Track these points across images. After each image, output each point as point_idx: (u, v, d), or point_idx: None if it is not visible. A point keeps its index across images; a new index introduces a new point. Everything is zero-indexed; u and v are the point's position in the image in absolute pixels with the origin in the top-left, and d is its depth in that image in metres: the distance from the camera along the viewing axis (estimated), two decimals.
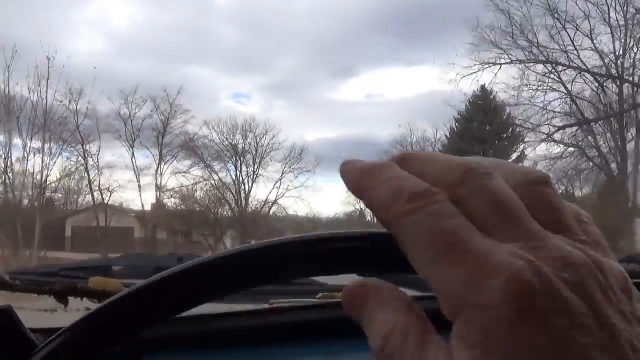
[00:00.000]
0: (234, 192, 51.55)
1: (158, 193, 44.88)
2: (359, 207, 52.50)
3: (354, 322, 0.85)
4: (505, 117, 52.62)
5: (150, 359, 0.99)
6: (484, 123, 52.15)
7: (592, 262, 0.33)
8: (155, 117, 38.22)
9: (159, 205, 45.42)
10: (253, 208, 52.24)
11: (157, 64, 48.28)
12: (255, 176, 52.71)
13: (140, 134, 38.38)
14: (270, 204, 52.74)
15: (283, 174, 51.79)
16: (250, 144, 51.81)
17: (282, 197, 51.85)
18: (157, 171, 42.29)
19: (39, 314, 1.20)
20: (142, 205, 44.27)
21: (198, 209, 46.79)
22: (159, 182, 44.50)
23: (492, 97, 53.35)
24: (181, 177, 44.12)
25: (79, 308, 1.18)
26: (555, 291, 0.30)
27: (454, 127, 53.49)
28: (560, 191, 41.24)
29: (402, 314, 0.36)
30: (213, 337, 1.07)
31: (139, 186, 41.98)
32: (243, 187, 52.98)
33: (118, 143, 37.50)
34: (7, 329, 0.71)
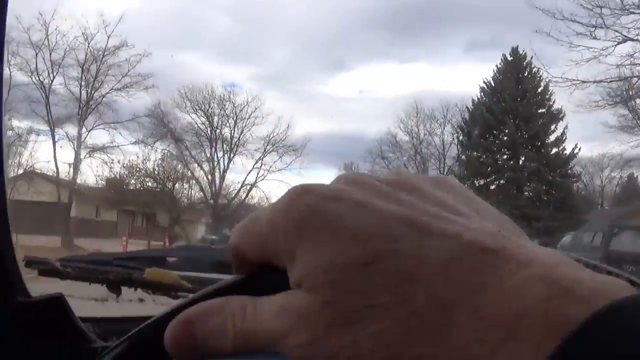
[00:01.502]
0: (206, 171, 44.36)
1: (108, 167, 36.60)
2: None
3: None
4: (542, 89, 42.80)
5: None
6: (516, 95, 42.48)
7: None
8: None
9: (111, 182, 37.12)
10: (229, 190, 45.52)
11: (149, 48, 46.13)
12: (232, 153, 45.73)
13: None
14: (249, 186, 45.91)
15: (265, 152, 46.08)
16: (228, 115, 45.95)
17: (263, 179, 45.98)
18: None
19: (89, 302, 1.20)
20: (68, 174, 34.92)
21: (152, 186, 38.99)
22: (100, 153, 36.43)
23: (525, 63, 43.43)
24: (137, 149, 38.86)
25: (131, 298, 1.17)
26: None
27: (479, 97, 44.26)
28: None
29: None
30: None
31: (76, 155, 34.03)
32: (218, 165, 45.26)
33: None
34: (58, 317, 0.72)
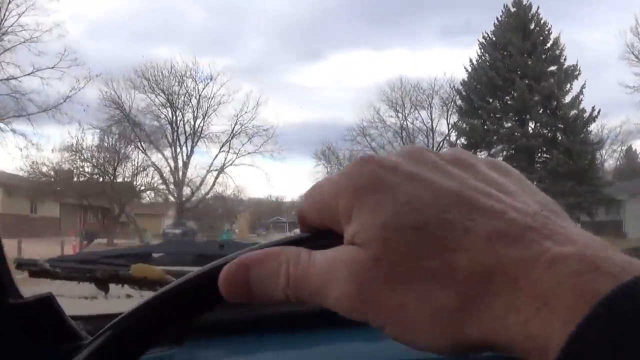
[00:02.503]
0: (167, 158, 39.77)
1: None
2: None
3: None
4: (551, 44, 36.13)
5: (191, 343, 1.05)
6: (523, 50, 35.12)
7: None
8: None
9: (56, 172, 31.65)
10: (192, 178, 41.22)
11: (124, 42, 44.13)
12: (196, 137, 41.51)
13: None
14: (216, 171, 41.82)
15: (233, 133, 42.38)
16: (190, 93, 41.60)
17: (231, 164, 42.07)
18: None
19: (79, 301, 1.25)
20: None
21: (91, 172, 33.59)
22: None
23: (531, 15, 36.68)
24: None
25: (119, 295, 1.22)
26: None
27: (479, 54, 37.33)
28: None
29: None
30: (251, 323, 1.13)
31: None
32: (180, 151, 40.83)
33: None
34: (48, 316, 0.75)
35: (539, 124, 35.60)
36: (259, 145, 41.50)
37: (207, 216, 42.58)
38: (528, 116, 35.96)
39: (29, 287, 0.85)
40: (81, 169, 33.17)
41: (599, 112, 35.64)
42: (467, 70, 39.07)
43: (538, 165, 35.78)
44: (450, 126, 44.73)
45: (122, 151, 35.01)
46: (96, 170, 33.26)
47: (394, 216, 0.37)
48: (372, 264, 0.38)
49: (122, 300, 1.23)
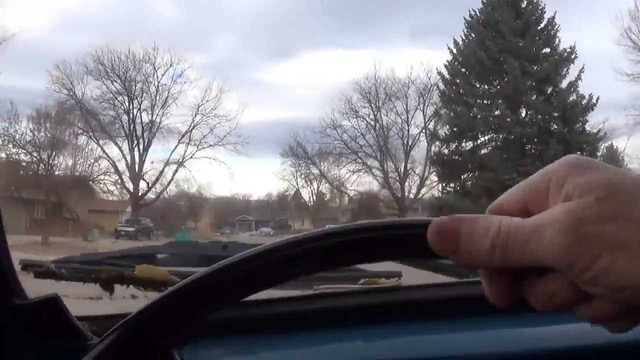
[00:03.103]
0: (123, 150, 37.27)
1: None
2: (294, 185, 49.53)
3: (395, 308, 1.16)
4: (545, 24, 31.72)
5: (196, 343, 1.05)
6: (516, 29, 30.65)
7: None
8: None
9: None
10: (149, 172, 38.56)
11: (93, 39, 39.91)
12: (155, 128, 38.74)
13: None
14: (176, 164, 39.18)
15: (194, 124, 39.77)
16: (148, 80, 38.82)
17: (191, 157, 39.91)
18: None
19: (84, 301, 1.24)
20: None
21: (27, 160, 30.31)
22: None
23: None
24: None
25: (124, 295, 1.22)
26: None
27: (465, 33, 32.77)
28: None
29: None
30: (257, 322, 1.12)
31: None
32: (137, 143, 37.93)
33: None
34: (54, 317, 0.76)
35: (533, 111, 32.22)
36: (222, 137, 39.17)
37: (171, 214, 40.64)
38: (521, 102, 32.55)
39: (35, 289, 0.87)
40: (16, 157, 29.24)
41: (597, 100, 32.48)
42: (451, 52, 35.51)
43: (532, 156, 32.47)
44: (427, 118, 41.44)
45: (66, 139, 32.06)
46: (31, 159, 29.50)
47: (611, 176, 0.46)
48: (590, 204, 0.45)
49: (127, 301, 1.22)
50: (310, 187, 55.59)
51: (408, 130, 43.96)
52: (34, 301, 0.77)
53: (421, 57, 62.87)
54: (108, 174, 35.45)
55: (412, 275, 1.31)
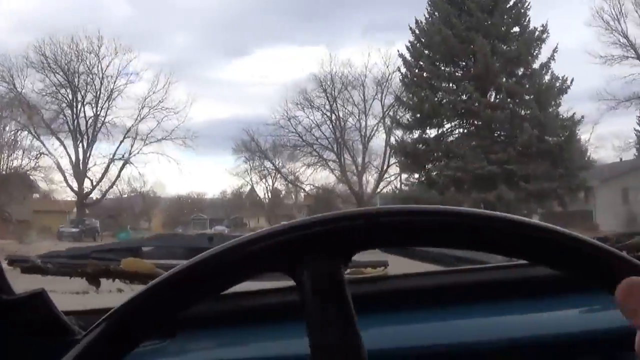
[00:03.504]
0: (66, 145, 35.71)
1: None
2: (249, 181, 48.88)
3: (381, 297, 1.15)
4: (515, 1, 27.87)
5: (184, 335, 1.07)
6: (485, 5, 26.88)
7: None
8: None
9: None
10: (92, 169, 37.14)
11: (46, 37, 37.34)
12: (99, 123, 37.52)
13: None
14: (122, 161, 37.47)
15: (140, 117, 37.70)
16: (92, 72, 36.49)
17: (138, 152, 38.69)
18: None
19: (70, 296, 1.26)
20: None
21: None
22: None
23: None
24: None
25: (110, 289, 1.23)
26: None
27: (429, 11, 28.83)
28: None
29: None
30: (243, 314, 1.14)
31: None
32: (81, 139, 36.85)
33: None
34: (41, 312, 0.77)
35: (504, 94, 29.50)
36: (170, 131, 37.78)
37: (124, 213, 39.90)
38: (491, 84, 29.83)
39: (22, 284, 0.88)
40: None
41: (571, 82, 29.96)
42: (413, 32, 32.62)
43: (504, 142, 29.79)
44: (385, 108, 38.81)
45: (5, 134, 31.19)
46: None
47: None
48: None
49: (114, 295, 1.23)
50: (265, 184, 54.99)
51: (366, 121, 42.06)
52: (21, 296, 0.76)
53: (376, 53, 61.88)
54: (50, 171, 34.46)
55: (399, 264, 1.26)
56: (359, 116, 42.00)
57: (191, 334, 1.07)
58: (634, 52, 33.00)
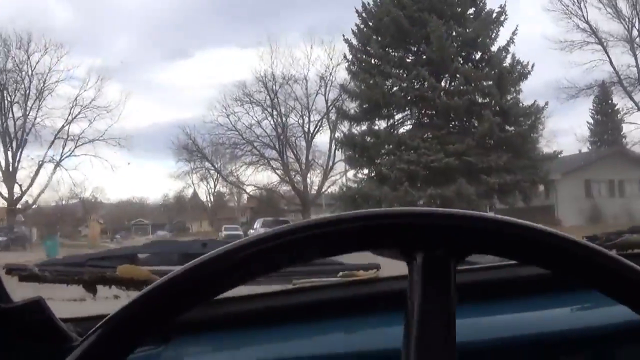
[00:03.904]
0: None
1: None
2: (190, 184, 48.39)
3: (374, 299, 1.16)
4: None
5: (179, 341, 1.08)
6: None
7: None
8: None
9: None
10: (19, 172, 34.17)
11: None
12: (30, 124, 35.12)
13: None
14: (54, 162, 36.11)
15: (71, 116, 36.32)
16: (20, 69, 34.95)
17: (70, 155, 37.11)
18: None
19: (68, 303, 1.26)
20: None
21: None
22: None
23: None
24: None
25: (107, 296, 1.23)
26: None
27: None
28: None
29: None
30: (238, 318, 1.15)
31: None
32: (10, 142, 34.81)
33: None
34: (39, 319, 0.79)
35: (461, 79, 26.99)
36: (104, 132, 36.49)
37: (65, 219, 39.14)
38: (447, 69, 27.30)
39: (20, 292, 0.91)
40: None
41: (532, 67, 27.70)
42: (359, 15, 29.91)
43: (462, 132, 27.29)
44: (329, 103, 36.39)
45: None
46: None
47: None
48: None
49: (110, 302, 1.24)
50: (207, 186, 53.97)
51: (309, 117, 40.36)
52: (19, 304, 0.78)
53: (319, 52, 60.76)
54: None
55: (391, 267, 1.21)
56: (302, 112, 40.45)
57: (186, 339, 1.09)
58: (595, 37, 31.15)
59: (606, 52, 32.12)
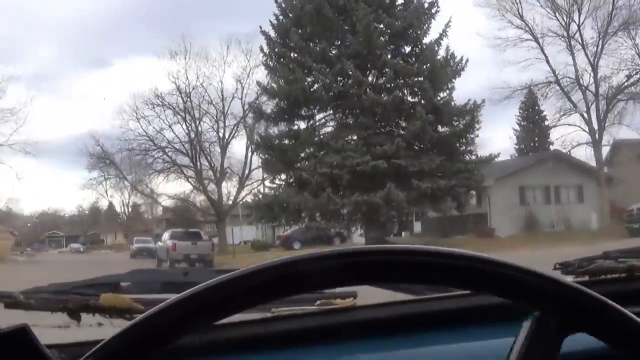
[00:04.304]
0: None
1: None
2: (104, 194, 47.14)
3: (351, 328, 1.23)
4: None
5: None
6: None
7: None
8: None
9: None
10: None
11: None
12: None
13: None
14: None
15: None
16: None
17: None
18: None
19: (53, 330, 1.28)
20: None
21: None
22: None
23: None
24: None
25: (91, 324, 1.27)
26: None
27: None
28: None
29: None
30: (217, 346, 1.17)
31: None
32: None
33: None
34: (25, 346, 0.80)
35: (390, 73, 24.37)
36: (9, 136, 33.21)
37: None
38: (374, 63, 24.67)
39: (5, 319, 0.92)
40: None
41: (466, 63, 25.43)
42: (278, 4, 26.99)
43: (390, 133, 24.69)
44: (245, 106, 33.68)
45: None
46: None
47: None
48: None
49: (94, 329, 1.26)
50: (121, 197, 52.36)
51: (224, 121, 37.35)
52: (4, 331, 0.80)
53: (236, 53, 57.41)
54: None
55: (369, 294, 1.25)
56: (217, 116, 37.54)
57: None
58: (530, 34, 29.37)
59: (542, 50, 30.43)
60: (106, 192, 47.87)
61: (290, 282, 0.62)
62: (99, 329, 1.26)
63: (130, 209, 56.07)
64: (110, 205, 55.66)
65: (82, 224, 62.16)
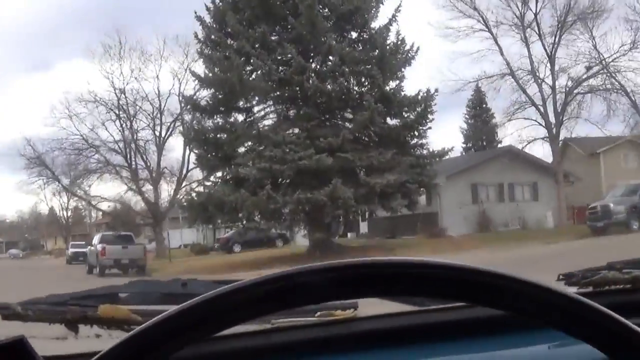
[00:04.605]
0: None
1: None
2: (43, 198, 46.16)
3: (351, 339, 1.25)
4: None
5: None
6: None
7: None
8: None
9: None
10: None
11: None
12: None
13: None
14: None
15: None
16: None
17: None
18: None
19: (50, 342, 1.28)
20: None
21: None
22: None
23: None
24: None
25: (88, 335, 1.27)
26: None
27: None
28: None
29: None
30: (217, 357, 1.17)
31: None
32: None
33: None
34: (22, 358, 0.80)
35: (336, 59, 22.36)
36: None
37: None
38: (318, 48, 22.62)
39: (2, 331, 0.92)
40: None
41: (417, 50, 23.63)
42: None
43: (336, 124, 22.68)
44: (184, 104, 31.45)
45: None
46: None
47: None
48: None
49: (92, 340, 1.26)
50: (59, 201, 51.31)
51: (161, 118, 36.22)
52: (1, 343, 0.79)
53: (173, 47, 57.41)
54: None
55: (370, 305, 1.23)
56: (153, 113, 36.32)
57: None
58: (483, 24, 27.85)
59: (495, 41, 28.98)
60: (44, 196, 47.02)
61: (289, 295, 0.62)
62: (97, 340, 1.26)
63: (70, 213, 55.26)
64: (51, 209, 54.72)
65: (23, 230, 60.99)
